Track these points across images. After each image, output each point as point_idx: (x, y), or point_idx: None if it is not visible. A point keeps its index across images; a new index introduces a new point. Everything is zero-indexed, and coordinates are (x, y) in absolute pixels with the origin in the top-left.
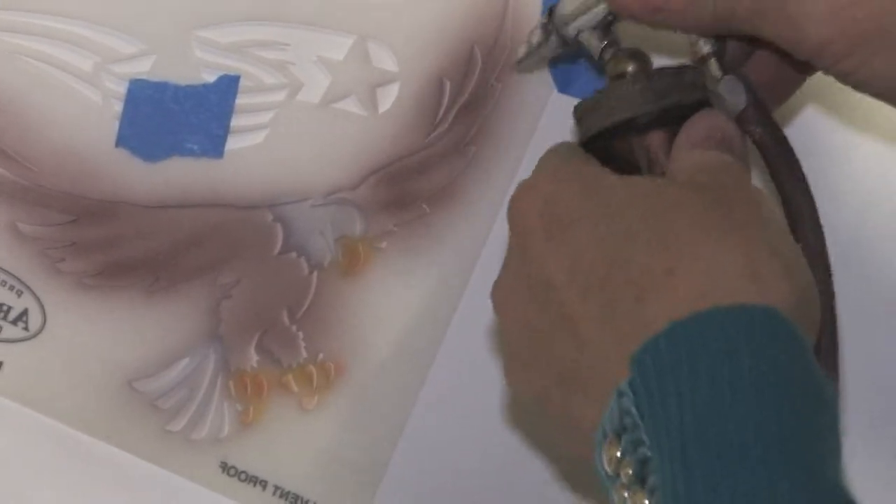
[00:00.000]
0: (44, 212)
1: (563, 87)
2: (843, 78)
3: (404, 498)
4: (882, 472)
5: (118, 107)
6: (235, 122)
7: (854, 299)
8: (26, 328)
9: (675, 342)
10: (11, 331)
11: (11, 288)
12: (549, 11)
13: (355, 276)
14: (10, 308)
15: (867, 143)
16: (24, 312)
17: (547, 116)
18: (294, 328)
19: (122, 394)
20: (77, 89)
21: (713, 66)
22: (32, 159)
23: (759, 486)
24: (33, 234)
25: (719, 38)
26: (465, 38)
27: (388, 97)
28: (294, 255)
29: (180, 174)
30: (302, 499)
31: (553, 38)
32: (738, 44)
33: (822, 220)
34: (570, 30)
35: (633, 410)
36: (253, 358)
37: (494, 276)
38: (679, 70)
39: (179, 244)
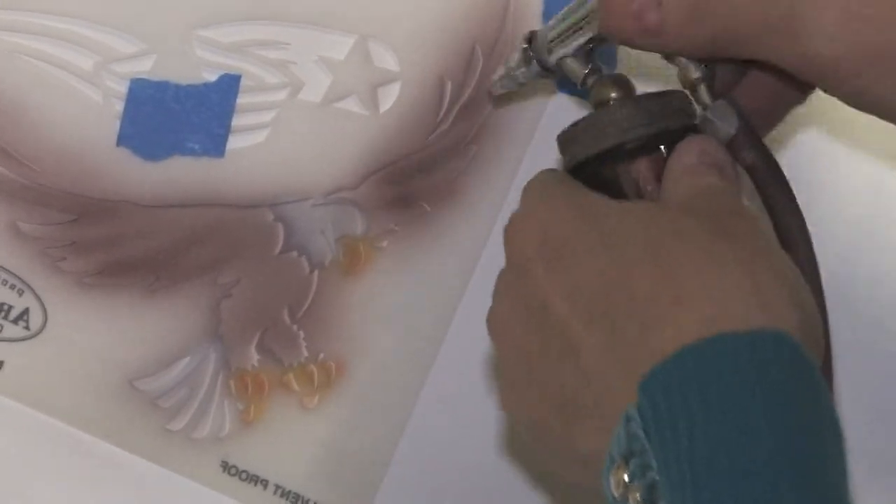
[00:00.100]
0: (44, 211)
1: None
2: (849, 99)
3: (405, 497)
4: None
5: (119, 106)
6: (236, 121)
7: (846, 324)
8: (27, 327)
9: (685, 367)
10: (12, 330)
11: (12, 287)
12: (530, 37)
13: (356, 276)
14: (10, 307)
15: (858, 168)
16: (25, 312)
17: (547, 116)
18: (295, 327)
19: (123, 393)
20: (78, 88)
21: (703, 92)
22: (33, 158)
23: None
24: (34, 233)
25: (709, 63)
26: (467, 38)
27: (390, 97)
28: (295, 254)
29: (181, 173)
30: (303, 498)
31: (533, 63)
32: (728, 69)
33: (814, 244)
34: (552, 57)
35: (642, 435)
36: (254, 357)
37: (495, 275)
38: (665, 95)
39: (180, 243)
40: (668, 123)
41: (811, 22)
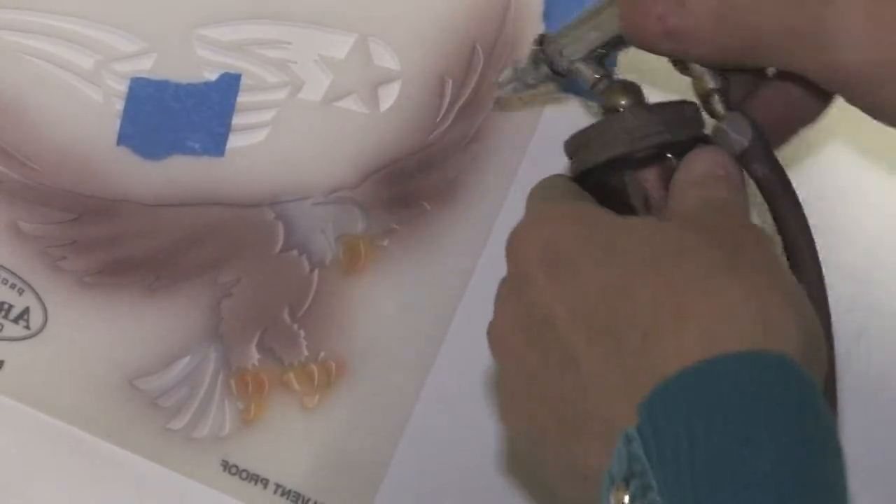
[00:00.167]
0: (45, 210)
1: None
2: (872, 110)
3: (405, 497)
4: None
5: (119, 105)
6: (237, 120)
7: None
8: (27, 327)
9: (687, 388)
10: (12, 329)
11: (13, 286)
12: (541, 39)
13: (357, 275)
14: (11, 306)
15: (871, 185)
16: (26, 311)
17: (548, 116)
18: (295, 326)
19: (123, 392)
20: (78, 88)
21: (717, 102)
22: (33, 157)
23: None
24: (34, 232)
25: (726, 73)
26: (467, 37)
27: (390, 95)
28: (295, 253)
29: (181, 172)
30: (303, 497)
31: (542, 65)
32: (741, 82)
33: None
34: (563, 60)
35: (642, 455)
36: (254, 356)
37: (495, 275)
38: (677, 104)
39: (180, 242)
40: (680, 133)
41: (836, 29)
